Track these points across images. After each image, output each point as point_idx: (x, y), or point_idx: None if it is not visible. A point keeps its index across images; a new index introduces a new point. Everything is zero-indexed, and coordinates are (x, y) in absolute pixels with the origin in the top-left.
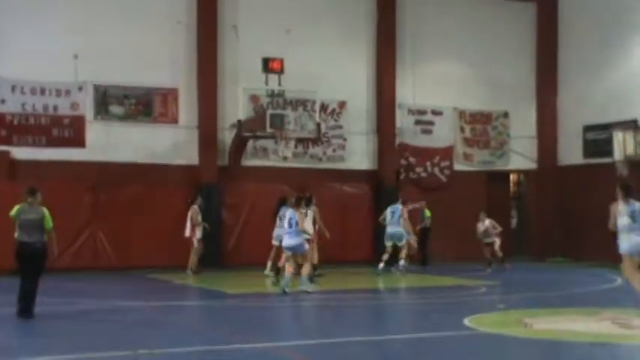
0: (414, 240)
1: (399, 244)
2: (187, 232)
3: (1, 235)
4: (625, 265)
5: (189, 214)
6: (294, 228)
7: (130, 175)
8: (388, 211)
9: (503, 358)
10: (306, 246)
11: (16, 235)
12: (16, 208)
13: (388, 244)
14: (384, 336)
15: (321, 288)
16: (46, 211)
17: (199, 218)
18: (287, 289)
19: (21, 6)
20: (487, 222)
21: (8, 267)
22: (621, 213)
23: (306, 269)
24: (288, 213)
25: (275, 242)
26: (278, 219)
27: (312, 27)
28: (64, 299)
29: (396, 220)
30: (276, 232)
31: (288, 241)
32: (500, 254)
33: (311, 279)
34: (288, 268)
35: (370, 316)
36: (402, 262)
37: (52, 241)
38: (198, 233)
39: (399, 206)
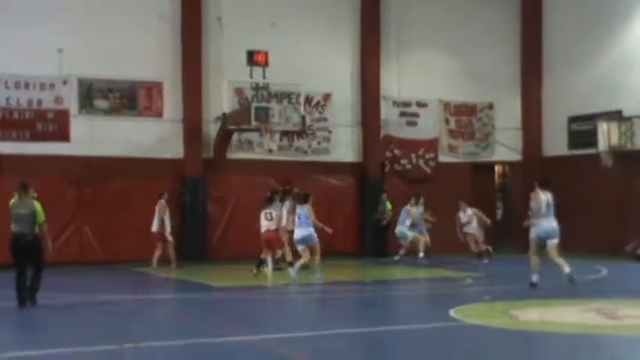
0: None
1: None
2: (155, 227)
3: None
4: (531, 249)
5: (157, 208)
6: (303, 221)
7: (115, 169)
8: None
9: (489, 349)
10: (316, 238)
11: (11, 227)
12: (12, 200)
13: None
14: (370, 328)
15: (307, 281)
16: (37, 205)
17: (168, 213)
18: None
19: (4, 2)
20: (469, 211)
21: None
22: (540, 202)
23: (314, 260)
24: (297, 209)
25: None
26: (263, 215)
27: (296, 19)
28: (49, 293)
29: (402, 220)
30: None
31: (298, 233)
32: (483, 247)
33: (297, 270)
34: (304, 259)
35: (356, 308)
36: (420, 255)
37: (45, 234)
38: (169, 228)
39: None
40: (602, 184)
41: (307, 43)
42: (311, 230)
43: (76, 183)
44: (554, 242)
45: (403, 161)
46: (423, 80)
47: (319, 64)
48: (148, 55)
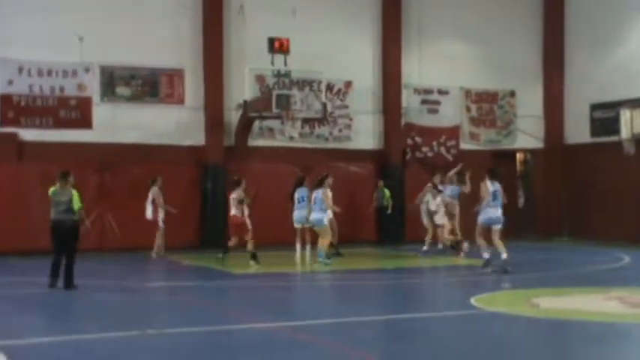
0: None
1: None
2: (149, 214)
3: (11, 215)
4: (477, 231)
5: (150, 195)
6: (318, 205)
7: (137, 156)
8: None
9: (511, 337)
10: (325, 221)
11: (51, 214)
12: (51, 189)
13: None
14: (390, 315)
15: (328, 269)
16: (75, 192)
17: (162, 199)
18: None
19: None
20: (439, 199)
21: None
22: (488, 192)
23: (322, 243)
24: (314, 192)
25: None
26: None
27: (317, 6)
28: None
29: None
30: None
31: (311, 216)
32: (459, 237)
33: (328, 256)
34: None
35: (377, 295)
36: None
37: (82, 218)
38: (162, 214)
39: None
40: (625, 172)
41: (328, 31)
42: (322, 214)
43: (97, 170)
44: (497, 228)
45: (424, 149)
46: (445, 68)
47: (340, 52)
48: (169, 42)
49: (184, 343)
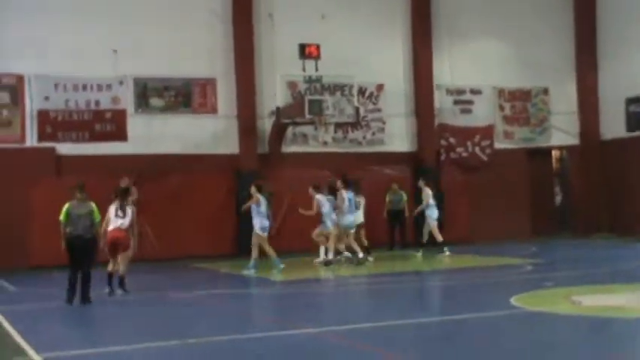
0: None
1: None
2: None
3: (50, 229)
4: (333, 234)
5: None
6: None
7: (172, 166)
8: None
9: (554, 335)
10: (329, 226)
11: (67, 229)
12: (64, 208)
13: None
14: (432, 318)
15: (366, 272)
16: (94, 205)
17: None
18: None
19: (60, 5)
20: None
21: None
22: (344, 200)
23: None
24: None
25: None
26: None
27: (346, 11)
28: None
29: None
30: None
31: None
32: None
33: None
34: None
35: (416, 298)
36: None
37: (100, 233)
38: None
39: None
40: None
41: (358, 34)
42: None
43: (134, 181)
44: (351, 231)
45: (459, 149)
46: (476, 67)
47: (371, 55)
48: (200, 52)
49: (225, 350)
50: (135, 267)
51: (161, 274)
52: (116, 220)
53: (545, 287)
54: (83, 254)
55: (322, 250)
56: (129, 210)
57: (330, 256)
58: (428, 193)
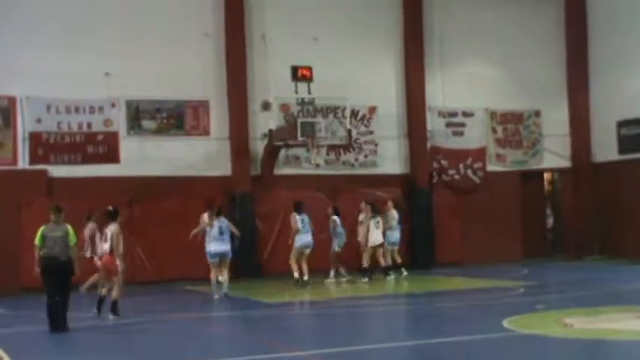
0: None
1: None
2: (88, 253)
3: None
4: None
5: (85, 233)
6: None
7: (165, 188)
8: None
9: (546, 358)
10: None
11: (42, 252)
12: (39, 231)
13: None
14: (423, 340)
15: (356, 294)
16: (70, 227)
17: (98, 235)
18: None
19: (52, 28)
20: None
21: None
22: (296, 222)
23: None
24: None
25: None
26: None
27: (339, 33)
28: (102, 314)
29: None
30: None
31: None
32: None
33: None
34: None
35: (408, 320)
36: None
37: (76, 256)
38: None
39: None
40: None
41: (351, 57)
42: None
43: (126, 203)
44: (306, 251)
45: (451, 172)
46: (468, 90)
47: (363, 77)
48: (193, 74)
49: None
50: (127, 290)
51: (152, 297)
52: (102, 244)
53: (537, 310)
54: (60, 278)
55: (332, 271)
56: (108, 233)
57: (299, 276)
58: (394, 216)
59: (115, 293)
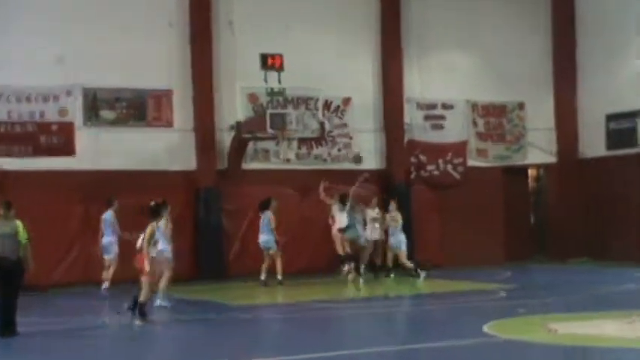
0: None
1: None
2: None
3: None
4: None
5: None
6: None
7: (124, 183)
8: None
9: None
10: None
11: None
12: None
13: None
14: (401, 346)
15: (329, 297)
16: (20, 224)
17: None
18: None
19: (2, 9)
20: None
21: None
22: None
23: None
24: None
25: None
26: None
27: (312, 20)
28: (54, 318)
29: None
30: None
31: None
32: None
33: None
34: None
35: (385, 325)
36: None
37: (28, 254)
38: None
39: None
40: None
41: (324, 45)
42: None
43: (82, 199)
44: (269, 252)
45: (430, 167)
46: (448, 81)
47: (338, 67)
48: (155, 61)
49: None
50: (82, 291)
51: (110, 299)
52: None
53: (519, 314)
54: (8, 278)
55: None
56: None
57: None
58: (397, 217)
59: (142, 295)
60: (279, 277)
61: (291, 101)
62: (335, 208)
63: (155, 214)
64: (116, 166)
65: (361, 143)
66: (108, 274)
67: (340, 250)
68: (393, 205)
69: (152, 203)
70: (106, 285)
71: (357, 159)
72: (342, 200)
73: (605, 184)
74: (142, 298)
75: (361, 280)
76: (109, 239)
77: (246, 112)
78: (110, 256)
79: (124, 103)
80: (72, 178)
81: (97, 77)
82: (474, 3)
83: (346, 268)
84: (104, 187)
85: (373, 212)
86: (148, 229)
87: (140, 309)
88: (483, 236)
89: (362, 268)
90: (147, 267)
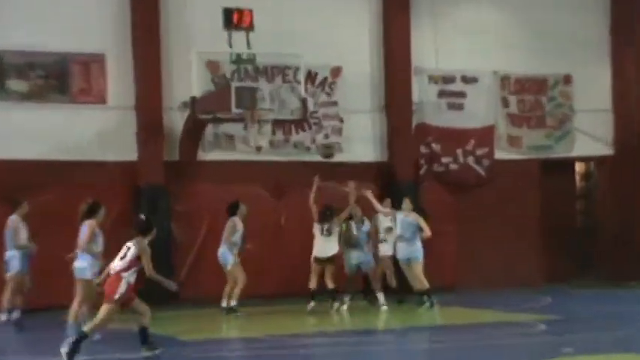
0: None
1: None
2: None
3: None
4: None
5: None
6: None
7: (43, 176)
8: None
9: None
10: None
11: None
12: None
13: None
14: None
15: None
16: None
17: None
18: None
19: None
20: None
21: None
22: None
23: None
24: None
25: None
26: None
27: None
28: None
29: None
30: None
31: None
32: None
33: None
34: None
35: None
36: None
37: None
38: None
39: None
40: None
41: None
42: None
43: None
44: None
45: (445, 159)
46: (471, 46)
47: (325, 27)
48: (83, 18)
49: None
50: None
51: (25, 331)
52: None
53: (564, 354)
54: None
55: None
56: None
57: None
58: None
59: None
60: (233, 302)
61: (264, 71)
62: (315, 228)
63: (91, 214)
64: (31, 155)
65: (354, 128)
66: (8, 297)
67: (331, 285)
68: (407, 204)
69: (84, 205)
70: (15, 313)
71: (327, 151)
72: (322, 217)
73: None
74: (87, 328)
75: (344, 307)
76: (10, 252)
77: (204, 85)
78: (10, 272)
79: (41, 71)
80: None
81: (4, 37)
82: None
83: (336, 305)
84: (16, 180)
85: (386, 220)
86: (88, 228)
87: (142, 336)
88: (514, 251)
89: (378, 293)
90: (118, 294)
